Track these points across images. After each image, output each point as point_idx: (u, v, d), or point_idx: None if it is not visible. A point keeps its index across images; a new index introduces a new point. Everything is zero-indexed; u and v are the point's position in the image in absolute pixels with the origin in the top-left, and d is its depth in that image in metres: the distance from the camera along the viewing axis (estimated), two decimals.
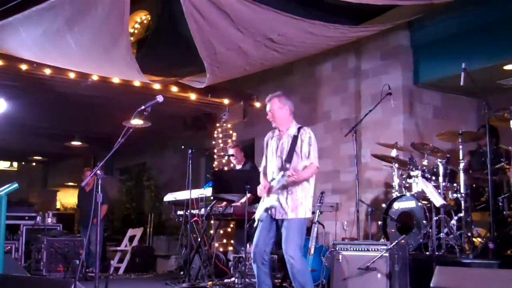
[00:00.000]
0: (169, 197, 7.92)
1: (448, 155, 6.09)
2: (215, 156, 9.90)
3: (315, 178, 4.81)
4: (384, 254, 5.08)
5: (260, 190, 4.69)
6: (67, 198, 15.97)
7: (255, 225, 4.70)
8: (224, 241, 9.25)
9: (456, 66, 5.94)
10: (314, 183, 4.74)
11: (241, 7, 5.79)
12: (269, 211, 4.56)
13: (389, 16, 6.33)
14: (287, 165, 4.47)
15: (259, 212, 4.65)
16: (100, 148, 13.84)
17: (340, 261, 5.39)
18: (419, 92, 7.83)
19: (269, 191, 4.59)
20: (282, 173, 4.49)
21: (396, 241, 5.16)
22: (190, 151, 7.02)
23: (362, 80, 8.18)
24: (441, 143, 6.61)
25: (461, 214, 5.64)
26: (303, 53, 7.43)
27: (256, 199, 6.97)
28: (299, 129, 4.71)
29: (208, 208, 7.13)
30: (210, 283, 6.55)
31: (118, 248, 10.47)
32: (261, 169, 4.90)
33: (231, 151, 8.17)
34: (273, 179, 4.61)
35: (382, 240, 6.10)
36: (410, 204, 5.96)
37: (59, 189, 16.94)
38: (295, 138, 4.63)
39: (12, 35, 6.66)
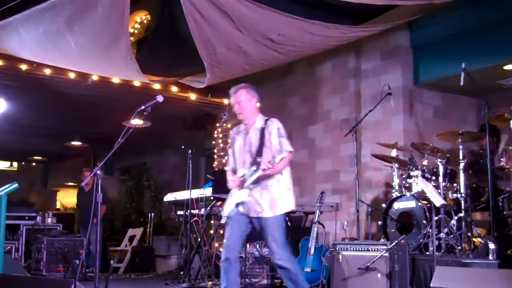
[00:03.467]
0: (169, 197, 7.92)
1: (448, 155, 6.09)
2: (215, 156, 9.90)
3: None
4: (384, 254, 5.09)
5: (232, 182, 4.46)
6: (67, 198, 15.96)
7: (223, 221, 4.49)
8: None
9: (456, 66, 5.93)
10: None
11: (241, 7, 5.79)
12: (239, 207, 4.38)
13: (389, 16, 6.33)
14: (259, 159, 4.29)
15: (228, 208, 4.45)
16: (100, 148, 13.85)
17: (340, 261, 5.39)
18: (419, 92, 7.83)
19: (240, 185, 4.40)
20: (253, 168, 4.31)
21: (396, 241, 5.16)
22: (190, 151, 7.02)
23: (362, 80, 8.18)
24: (441, 143, 6.61)
25: (461, 214, 5.64)
26: (303, 53, 7.43)
27: None
28: (266, 121, 4.50)
29: (208, 208, 7.13)
30: (210, 283, 6.55)
31: (118, 248, 10.47)
32: (228, 168, 4.69)
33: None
34: (243, 175, 4.40)
35: (382, 240, 6.10)
36: (410, 204, 5.95)
37: (59, 189, 16.93)
38: (262, 131, 4.43)
39: (12, 35, 6.66)
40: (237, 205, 4.38)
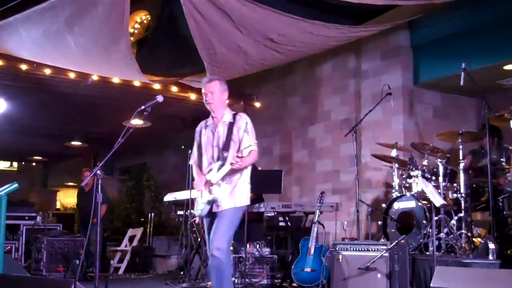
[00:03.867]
0: (169, 197, 7.91)
1: (448, 155, 6.09)
2: None
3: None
4: (384, 254, 5.09)
5: (196, 184, 4.40)
6: (67, 198, 15.98)
7: (197, 221, 4.47)
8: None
9: (456, 66, 5.94)
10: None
11: (241, 7, 5.80)
12: (211, 205, 4.28)
13: (389, 16, 6.34)
14: (225, 154, 4.21)
15: (199, 207, 4.36)
16: (100, 148, 13.86)
17: (340, 261, 5.39)
18: (419, 92, 7.83)
19: (207, 184, 4.30)
20: (219, 162, 4.24)
21: (396, 241, 5.16)
22: (190, 151, 7.00)
23: (362, 80, 8.18)
24: (441, 143, 6.61)
25: (461, 214, 5.64)
26: (303, 53, 7.43)
27: (257, 199, 6.99)
28: (234, 115, 4.44)
29: None
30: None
31: (118, 248, 10.46)
32: (191, 161, 4.62)
33: None
34: (210, 171, 4.32)
35: (382, 240, 6.10)
36: (410, 204, 5.95)
37: (59, 189, 16.94)
38: (231, 125, 4.37)
39: (12, 35, 6.66)
40: (209, 203, 4.28)
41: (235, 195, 4.31)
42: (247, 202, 4.41)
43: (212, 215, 4.33)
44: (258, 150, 4.32)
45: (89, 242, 8.21)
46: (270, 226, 7.34)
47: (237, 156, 4.09)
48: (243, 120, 4.39)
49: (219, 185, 4.26)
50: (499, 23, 6.61)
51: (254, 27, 6.22)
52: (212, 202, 4.28)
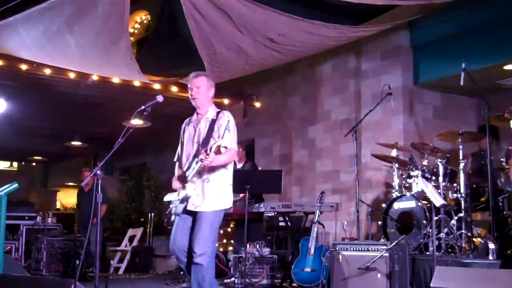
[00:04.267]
0: (169, 197, 7.89)
1: (448, 155, 6.09)
2: None
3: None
4: (384, 254, 5.08)
5: (173, 181, 4.32)
6: (67, 198, 15.97)
7: (172, 219, 4.29)
8: (224, 241, 9.25)
9: (456, 66, 5.94)
10: (233, 170, 4.33)
11: (241, 7, 5.80)
12: (185, 203, 4.15)
13: (389, 16, 6.34)
14: (203, 151, 4.01)
15: (174, 205, 4.25)
16: (100, 148, 13.86)
17: (340, 261, 5.38)
18: (419, 92, 7.83)
19: (183, 181, 4.19)
20: (196, 159, 4.08)
21: (396, 241, 5.16)
22: None
23: (362, 80, 8.18)
24: (441, 143, 6.61)
25: (461, 214, 5.64)
26: (303, 53, 7.44)
27: (257, 199, 7.00)
28: (217, 113, 4.34)
29: None
30: None
31: (118, 248, 10.46)
32: (175, 159, 4.51)
33: None
34: (189, 168, 4.20)
35: (382, 240, 6.10)
36: (410, 204, 5.95)
37: (59, 189, 16.94)
38: (213, 122, 4.27)
39: (12, 35, 6.66)
40: (182, 201, 4.17)
41: (215, 198, 4.16)
42: (229, 205, 4.28)
43: (188, 214, 4.19)
44: (234, 152, 4.22)
45: (89, 242, 8.21)
46: (270, 226, 7.34)
47: (205, 151, 3.93)
48: (226, 118, 4.29)
49: (193, 182, 4.13)
50: (499, 23, 6.61)
51: (254, 27, 6.22)
52: (185, 200, 4.15)
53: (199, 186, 4.15)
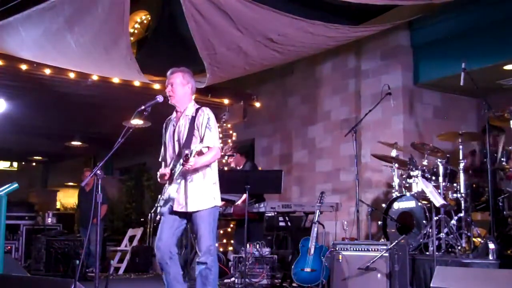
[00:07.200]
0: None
1: (448, 155, 6.09)
2: None
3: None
4: (384, 254, 5.08)
5: (160, 176, 4.22)
6: (67, 198, 15.96)
7: (157, 218, 4.20)
8: (224, 241, 9.25)
9: (456, 66, 5.94)
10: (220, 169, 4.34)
11: (241, 7, 5.80)
12: (170, 203, 4.12)
13: (389, 16, 6.34)
14: (186, 151, 3.92)
15: (159, 204, 4.19)
16: (100, 148, 13.84)
17: (340, 261, 5.38)
18: (419, 92, 7.84)
19: (171, 179, 4.12)
20: (181, 160, 3.99)
21: (396, 241, 5.16)
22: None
23: (362, 80, 8.19)
24: (441, 143, 6.61)
25: (461, 214, 5.64)
26: (303, 53, 7.43)
27: (257, 199, 6.99)
28: (197, 110, 4.24)
29: None
30: None
31: (118, 248, 10.46)
32: (160, 159, 4.43)
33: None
34: (173, 167, 4.14)
35: (382, 240, 6.10)
36: (410, 204, 5.95)
37: (59, 189, 16.93)
38: (193, 120, 4.17)
39: (12, 35, 6.66)
40: (166, 202, 4.14)
41: (200, 197, 4.10)
42: (218, 202, 4.22)
43: (176, 214, 4.15)
44: (217, 151, 4.16)
45: (89, 242, 8.22)
46: (270, 226, 7.35)
47: (185, 156, 3.88)
48: (205, 115, 4.18)
49: (177, 183, 4.09)
50: (499, 23, 6.61)
51: (254, 27, 6.22)
52: (169, 201, 4.12)
53: (183, 186, 4.11)
